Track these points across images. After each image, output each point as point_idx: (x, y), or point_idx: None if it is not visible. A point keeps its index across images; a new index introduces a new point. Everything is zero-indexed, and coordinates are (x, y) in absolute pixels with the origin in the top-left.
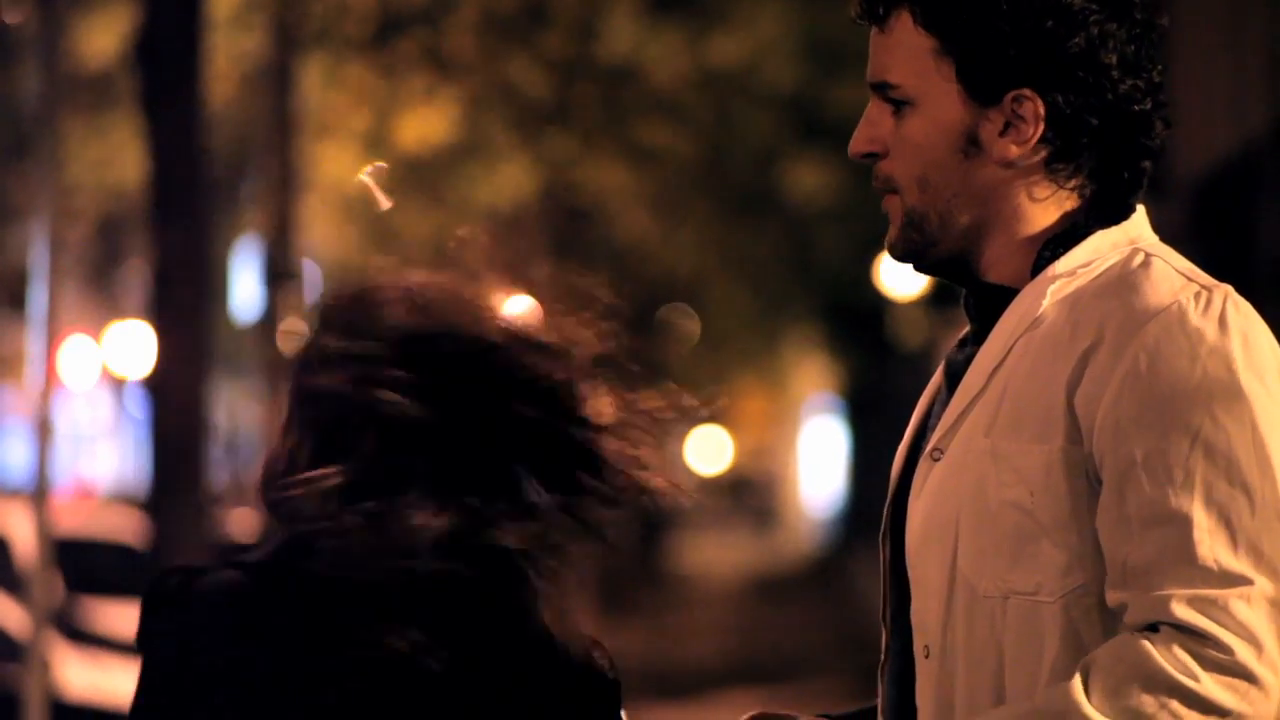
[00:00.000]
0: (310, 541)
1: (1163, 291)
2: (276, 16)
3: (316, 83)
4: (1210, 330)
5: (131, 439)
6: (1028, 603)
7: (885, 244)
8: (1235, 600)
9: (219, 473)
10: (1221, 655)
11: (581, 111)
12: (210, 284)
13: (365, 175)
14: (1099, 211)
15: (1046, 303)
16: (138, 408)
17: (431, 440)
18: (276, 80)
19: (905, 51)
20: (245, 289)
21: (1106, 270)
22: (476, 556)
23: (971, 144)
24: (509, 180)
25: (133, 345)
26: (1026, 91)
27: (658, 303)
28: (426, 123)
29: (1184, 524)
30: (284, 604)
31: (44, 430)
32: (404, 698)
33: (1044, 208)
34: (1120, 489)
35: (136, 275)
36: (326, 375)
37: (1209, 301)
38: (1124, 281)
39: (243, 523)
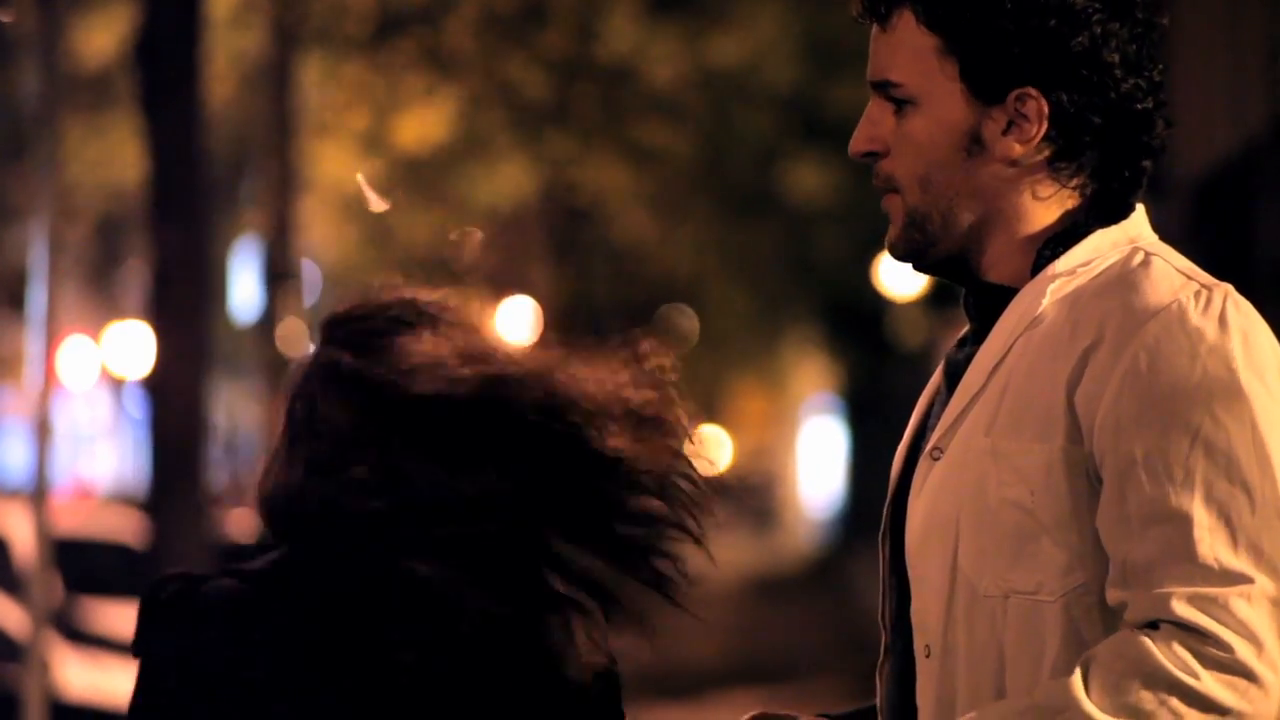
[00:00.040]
0: (311, 551)
1: (1163, 290)
2: (275, 16)
3: (316, 82)
4: (1210, 329)
5: (131, 439)
6: (1028, 602)
7: (886, 244)
8: (1235, 598)
9: (218, 473)
10: (1221, 653)
11: (581, 111)
12: (210, 284)
13: (360, 179)
14: (1099, 210)
15: (1046, 302)
16: (137, 408)
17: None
18: (276, 80)
19: (908, 50)
20: (245, 289)
21: (1106, 269)
22: (484, 570)
23: (974, 143)
24: (508, 180)
25: (132, 345)
26: (1030, 90)
27: (657, 303)
28: (426, 122)
29: (1184, 522)
30: (284, 613)
31: (43, 430)
32: (404, 707)
33: (1046, 206)
34: (1120, 487)
35: (136, 275)
36: (340, 396)
37: (1209, 300)
38: (1124, 280)
39: (242, 523)
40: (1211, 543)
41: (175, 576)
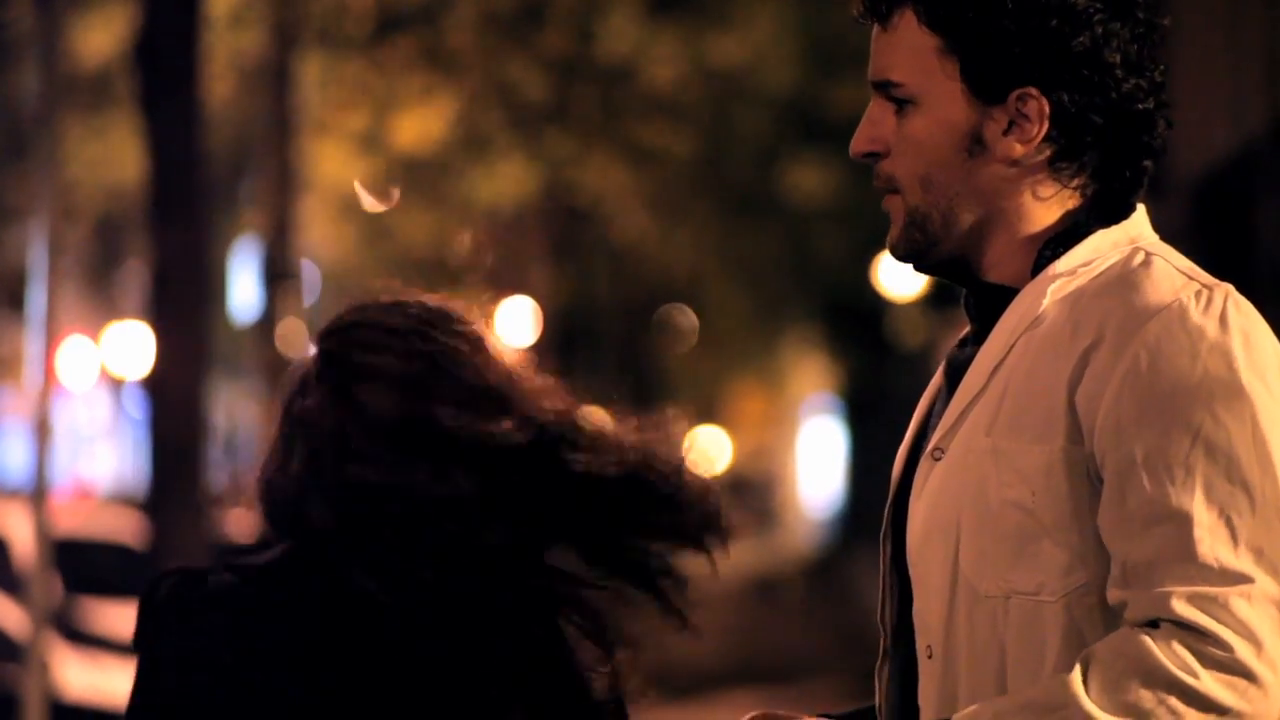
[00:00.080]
0: (311, 550)
1: (1163, 290)
2: (275, 16)
3: (315, 82)
4: (1211, 328)
5: (130, 439)
6: (1030, 602)
7: (887, 244)
8: (1235, 598)
9: (218, 473)
10: (1221, 653)
11: (580, 112)
12: (209, 284)
13: (358, 186)
14: (1100, 210)
15: (1047, 302)
16: (136, 408)
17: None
18: (275, 80)
19: (909, 50)
20: (244, 289)
21: (1107, 269)
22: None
23: (975, 143)
24: (508, 180)
25: (131, 346)
26: (1031, 90)
27: (657, 303)
28: (425, 122)
29: (1184, 522)
30: (283, 610)
31: (43, 431)
32: (405, 706)
33: (1046, 206)
34: (1121, 487)
35: (136, 275)
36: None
37: (1210, 300)
38: (1124, 280)
39: (241, 523)
40: (1212, 542)
41: (174, 572)
